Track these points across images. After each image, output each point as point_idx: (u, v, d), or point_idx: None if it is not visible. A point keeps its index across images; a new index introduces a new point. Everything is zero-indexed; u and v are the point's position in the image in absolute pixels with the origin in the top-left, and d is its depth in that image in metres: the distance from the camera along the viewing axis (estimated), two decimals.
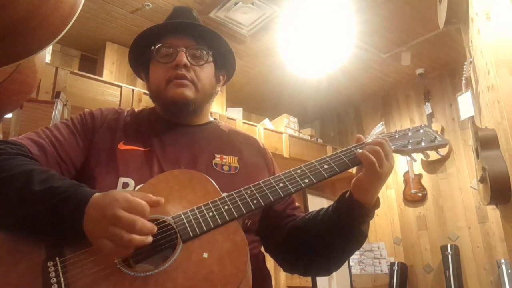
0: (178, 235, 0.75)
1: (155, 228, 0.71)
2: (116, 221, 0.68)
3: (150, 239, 0.70)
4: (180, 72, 0.98)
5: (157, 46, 1.02)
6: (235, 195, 0.82)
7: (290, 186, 0.84)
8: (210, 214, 0.78)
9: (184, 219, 0.77)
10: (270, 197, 0.82)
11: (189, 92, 0.99)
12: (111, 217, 0.68)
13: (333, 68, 3.60)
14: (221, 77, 1.12)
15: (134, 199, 0.71)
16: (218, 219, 0.77)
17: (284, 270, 1.06)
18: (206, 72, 1.03)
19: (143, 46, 1.06)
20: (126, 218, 0.68)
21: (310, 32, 3.14)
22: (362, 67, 4.69)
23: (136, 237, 0.68)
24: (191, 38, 1.03)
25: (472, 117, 2.35)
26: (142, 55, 1.07)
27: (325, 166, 0.87)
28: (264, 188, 0.84)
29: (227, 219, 0.77)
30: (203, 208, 0.79)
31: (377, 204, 0.90)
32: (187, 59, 0.99)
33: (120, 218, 0.68)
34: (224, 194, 0.83)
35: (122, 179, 0.89)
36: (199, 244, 0.74)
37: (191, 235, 0.75)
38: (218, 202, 0.80)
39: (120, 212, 0.68)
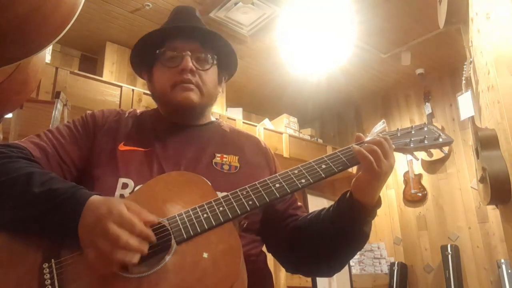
0: (172, 236, 0.75)
1: (144, 249, 0.70)
2: (104, 234, 0.68)
3: (135, 258, 0.68)
4: (186, 77, 0.98)
5: (162, 49, 1.02)
6: (230, 196, 0.81)
7: (286, 187, 0.83)
8: (205, 215, 0.78)
9: (179, 221, 0.77)
10: (266, 198, 0.81)
11: (195, 96, 0.99)
12: (100, 229, 0.68)
13: (333, 68, 3.59)
14: (223, 78, 1.13)
15: (127, 214, 0.70)
16: (212, 221, 0.77)
17: (286, 270, 1.06)
18: (211, 75, 1.04)
19: (147, 47, 1.05)
20: (113, 233, 0.68)
21: (310, 32, 3.14)
22: (362, 67, 4.68)
23: (119, 253, 0.67)
24: (196, 41, 1.03)
25: (472, 117, 2.35)
26: (145, 56, 1.07)
27: (323, 166, 0.86)
28: (260, 188, 0.83)
29: (221, 220, 0.77)
30: (198, 209, 0.79)
31: (378, 204, 0.89)
32: (193, 64, 0.99)
33: (108, 232, 0.68)
34: (220, 195, 0.82)
35: (122, 180, 0.89)
36: (193, 245, 0.74)
37: (185, 236, 0.75)
38: (213, 203, 0.80)
39: (109, 225, 0.68)
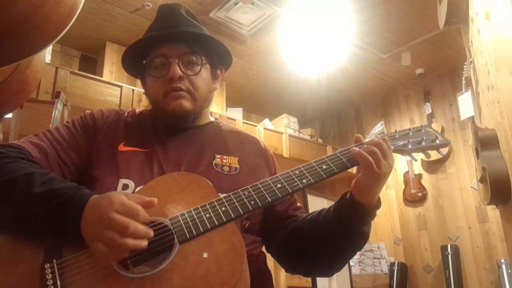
0: (175, 236, 0.75)
1: (151, 233, 0.71)
2: (110, 224, 0.68)
3: (144, 243, 0.70)
4: (175, 85, 0.97)
5: (149, 59, 1.01)
6: (232, 196, 0.82)
7: (287, 187, 0.84)
8: (207, 215, 0.78)
9: (181, 221, 0.77)
10: (268, 197, 0.82)
11: (187, 103, 0.98)
12: (105, 220, 0.68)
13: (333, 68, 3.59)
14: (219, 72, 1.10)
15: (129, 202, 0.71)
16: (215, 220, 0.77)
17: (286, 271, 1.06)
18: (202, 77, 1.02)
19: (135, 56, 1.04)
20: (120, 222, 0.68)
21: (310, 32, 3.14)
22: (362, 67, 4.69)
23: (130, 241, 0.68)
24: (182, 43, 1.00)
25: (472, 117, 2.35)
26: (135, 66, 1.06)
27: (324, 167, 0.87)
28: (262, 189, 0.83)
29: (224, 220, 0.77)
30: (200, 209, 0.79)
31: (378, 204, 0.89)
32: (181, 70, 0.97)
33: (114, 221, 0.68)
34: (222, 195, 0.83)
35: (122, 181, 0.89)
36: (196, 245, 0.74)
37: (188, 236, 0.75)
38: (215, 203, 0.80)
39: (114, 215, 0.68)
